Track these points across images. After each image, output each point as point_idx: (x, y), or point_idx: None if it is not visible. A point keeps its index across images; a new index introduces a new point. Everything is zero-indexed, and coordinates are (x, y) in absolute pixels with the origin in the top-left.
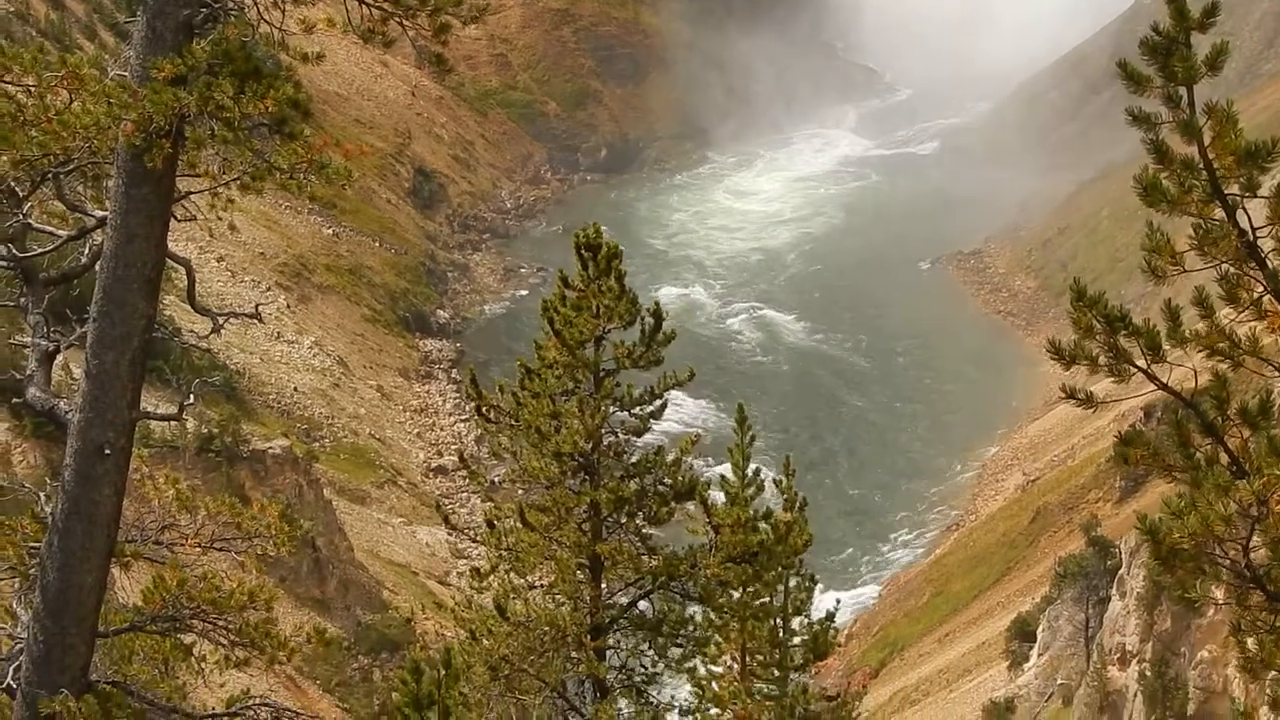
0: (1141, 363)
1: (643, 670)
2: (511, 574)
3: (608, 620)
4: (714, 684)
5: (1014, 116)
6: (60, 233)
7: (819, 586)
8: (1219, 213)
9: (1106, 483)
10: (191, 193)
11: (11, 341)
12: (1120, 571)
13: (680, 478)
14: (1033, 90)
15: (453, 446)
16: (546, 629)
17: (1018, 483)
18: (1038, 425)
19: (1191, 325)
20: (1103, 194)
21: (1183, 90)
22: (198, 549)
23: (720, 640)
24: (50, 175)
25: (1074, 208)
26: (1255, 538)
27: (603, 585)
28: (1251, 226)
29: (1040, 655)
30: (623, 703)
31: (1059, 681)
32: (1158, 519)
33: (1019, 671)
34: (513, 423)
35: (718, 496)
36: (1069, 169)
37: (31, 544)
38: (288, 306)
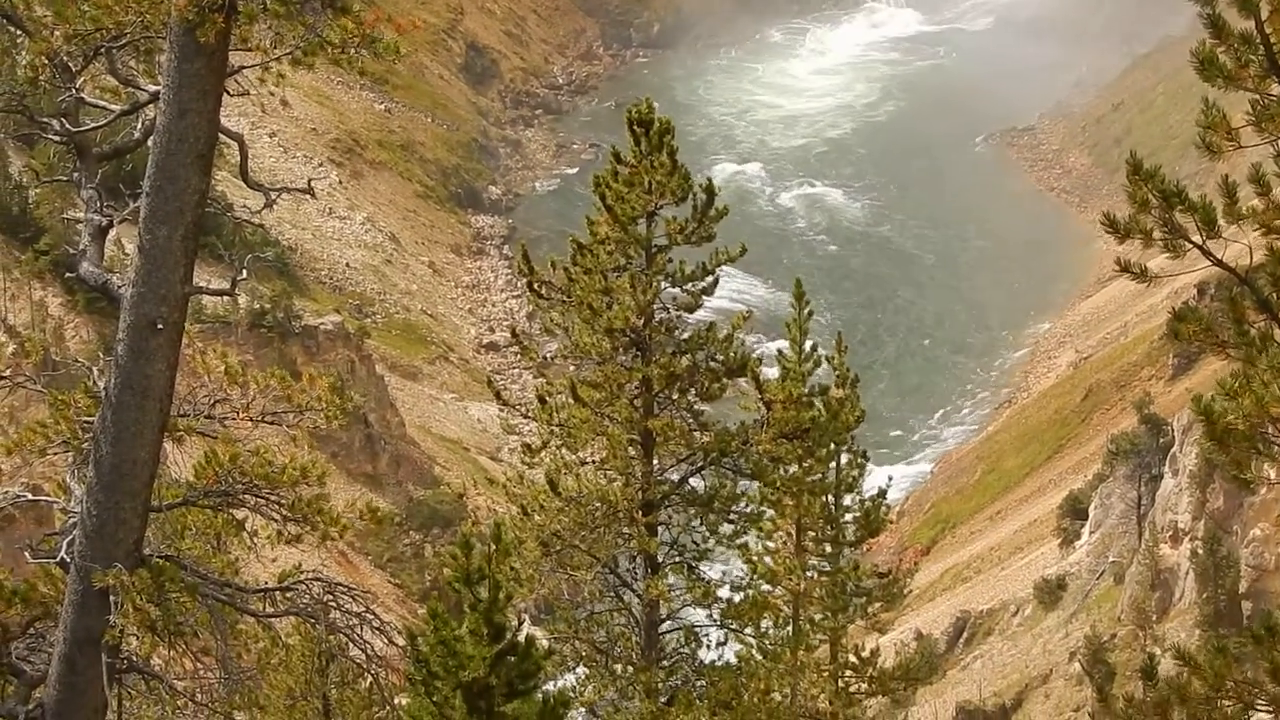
0: (1197, 239)
1: (694, 546)
2: (563, 450)
3: (659, 496)
4: (767, 559)
5: None
6: (113, 107)
7: (871, 463)
8: (1276, 88)
9: (1159, 360)
10: (244, 67)
11: (64, 217)
12: (1173, 449)
13: (732, 354)
14: None
15: (504, 322)
16: (598, 505)
17: (1070, 360)
18: (1090, 302)
19: (1247, 202)
20: (1157, 69)
21: None
22: (249, 423)
23: (773, 516)
24: (103, 50)
25: (1128, 84)
26: None
27: (654, 461)
28: None
29: (1092, 533)
30: (674, 578)
31: (1110, 559)
32: (1212, 399)
33: (1071, 549)
34: (565, 299)
35: (769, 373)
36: (1124, 44)
37: (85, 419)
38: (340, 182)
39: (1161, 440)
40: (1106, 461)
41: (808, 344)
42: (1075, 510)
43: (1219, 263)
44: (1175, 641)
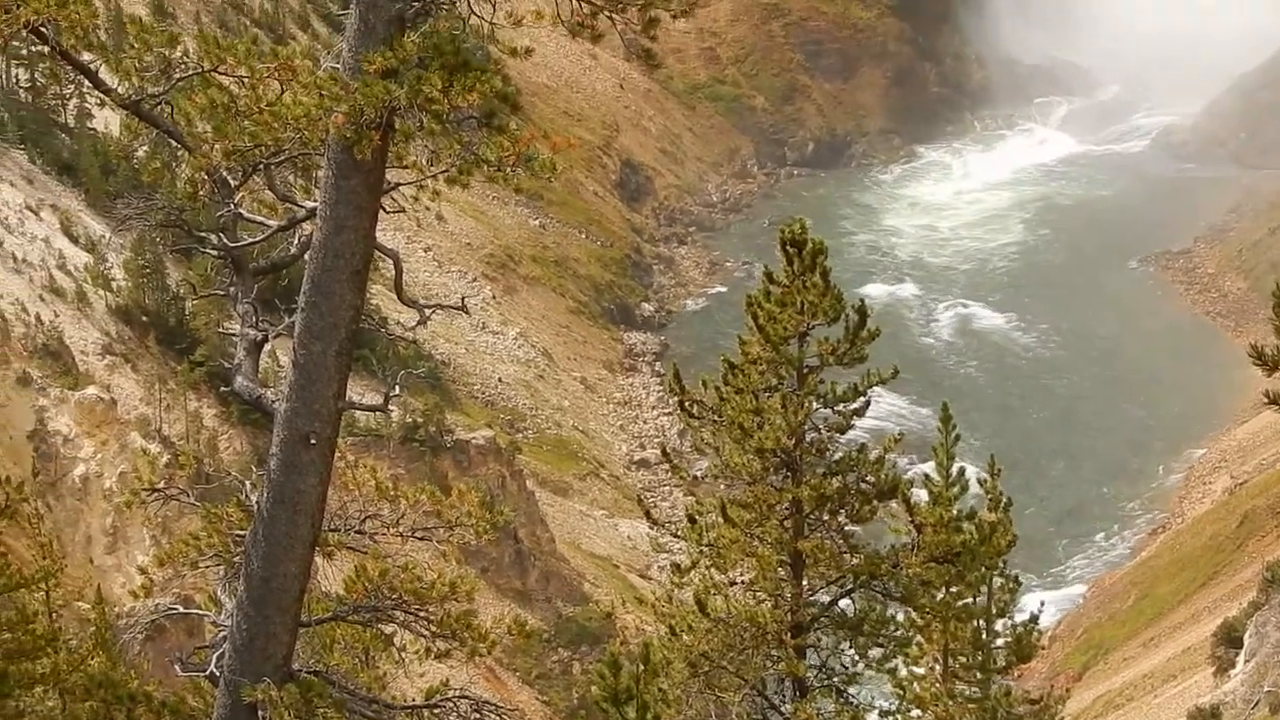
0: None
1: (843, 669)
2: (713, 570)
3: (808, 618)
4: (915, 685)
5: (1225, 115)
6: (270, 223)
7: (1023, 587)
8: None
9: None
10: (400, 184)
11: (221, 330)
12: None
13: (883, 476)
14: (1245, 88)
15: (655, 440)
16: (747, 626)
17: (1225, 486)
18: (1246, 428)
19: None
20: None
21: None
22: (399, 538)
23: (922, 641)
24: (261, 165)
25: None
26: None
27: (804, 583)
28: None
29: (1247, 662)
30: (823, 702)
31: (1266, 689)
32: None
33: (1225, 678)
34: (716, 418)
35: (920, 495)
36: None
37: (237, 532)
38: (493, 297)
39: None
40: (1262, 589)
41: (955, 467)
42: (1230, 638)
43: None
44: None
